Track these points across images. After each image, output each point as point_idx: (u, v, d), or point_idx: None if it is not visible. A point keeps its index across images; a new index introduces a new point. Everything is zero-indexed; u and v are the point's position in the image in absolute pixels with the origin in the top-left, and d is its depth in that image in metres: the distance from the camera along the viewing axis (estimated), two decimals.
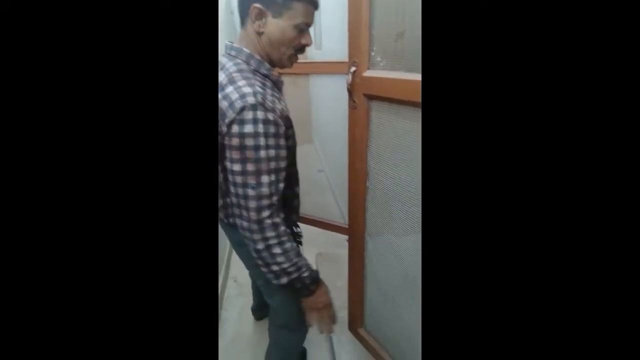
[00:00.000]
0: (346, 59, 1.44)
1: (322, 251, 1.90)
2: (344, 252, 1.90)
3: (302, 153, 1.95)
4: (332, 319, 0.87)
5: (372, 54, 0.75)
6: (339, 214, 2.12)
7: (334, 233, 1.87)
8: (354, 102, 0.82)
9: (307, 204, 1.93)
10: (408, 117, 0.73)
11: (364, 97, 0.80)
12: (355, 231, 1.02)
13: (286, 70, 1.52)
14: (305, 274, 0.75)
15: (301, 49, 0.74)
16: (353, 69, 0.79)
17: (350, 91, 0.81)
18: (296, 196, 0.91)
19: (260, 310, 1.56)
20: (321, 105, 2.06)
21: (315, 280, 0.79)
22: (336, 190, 2.38)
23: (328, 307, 0.84)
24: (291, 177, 0.83)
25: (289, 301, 0.91)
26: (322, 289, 0.81)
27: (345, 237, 2.18)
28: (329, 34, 1.91)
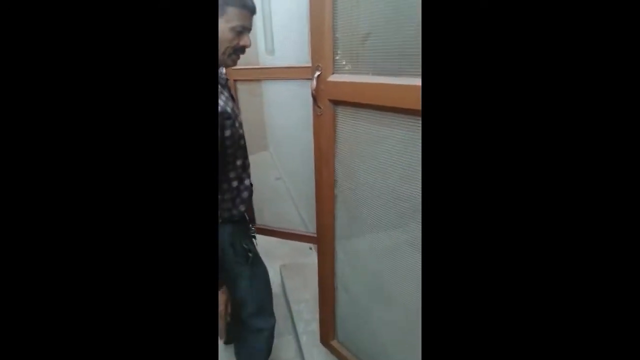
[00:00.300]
0: (300, 64, 1.43)
1: (286, 262, 1.83)
2: (308, 261, 1.86)
3: (259, 160, 1.88)
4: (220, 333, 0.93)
5: (337, 57, 0.73)
6: (300, 221, 2.07)
7: (296, 242, 1.83)
8: (319, 107, 0.79)
9: (267, 214, 1.86)
10: (376, 122, 0.71)
11: (330, 102, 0.77)
12: (324, 240, 0.98)
13: (240, 76, 1.45)
14: None
15: (241, 49, 0.80)
16: (317, 73, 0.75)
17: (315, 97, 0.78)
18: (246, 188, 0.94)
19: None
20: (275, 112, 2.00)
21: None
22: (296, 198, 2.33)
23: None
24: (235, 166, 0.88)
25: (254, 287, 0.98)
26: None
27: (309, 245, 2.14)
28: (283, 39, 1.87)
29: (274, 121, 2.16)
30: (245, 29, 0.77)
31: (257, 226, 1.80)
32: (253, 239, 1.03)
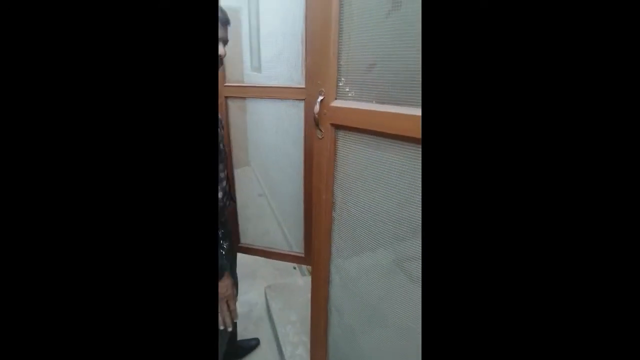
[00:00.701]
0: (292, 85, 1.44)
1: (271, 283, 1.79)
2: (293, 281, 1.83)
3: (241, 176, 1.85)
4: (233, 314, 0.94)
5: (340, 84, 0.74)
6: (284, 241, 2.04)
7: (280, 262, 1.80)
8: (321, 131, 0.79)
9: (251, 233, 1.83)
10: (377, 147, 0.73)
11: (331, 126, 0.78)
12: (319, 262, 0.97)
13: (231, 93, 1.44)
14: None
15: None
16: (320, 98, 0.76)
17: (317, 120, 0.78)
18: (226, 194, 0.95)
19: None
20: (259, 129, 1.98)
21: (217, 271, 0.85)
22: (279, 215, 2.30)
23: (229, 299, 0.91)
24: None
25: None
26: (224, 281, 0.89)
27: (292, 264, 2.11)
28: (273, 58, 1.87)
29: (258, 138, 2.13)
30: (219, 39, 0.83)
31: (242, 245, 1.76)
32: (221, 255, 0.99)
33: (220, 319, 0.91)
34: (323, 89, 0.76)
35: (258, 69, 2.26)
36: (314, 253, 0.98)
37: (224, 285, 0.89)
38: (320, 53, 0.74)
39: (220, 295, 0.88)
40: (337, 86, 0.75)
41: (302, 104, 1.37)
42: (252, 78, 2.45)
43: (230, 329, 0.95)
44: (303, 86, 1.32)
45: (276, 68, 1.75)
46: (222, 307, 0.90)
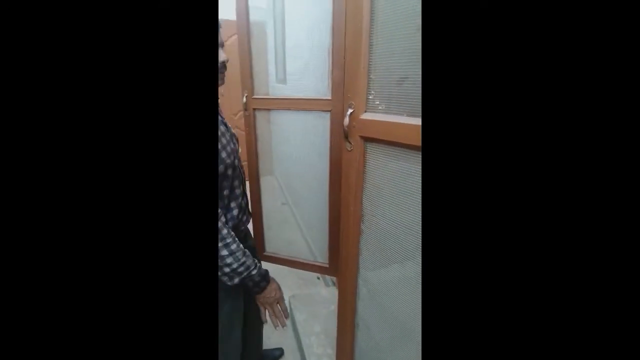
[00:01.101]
0: (313, 97, 1.46)
1: (295, 293, 1.79)
2: (316, 291, 1.82)
3: (265, 184, 1.88)
4: (285, 313, 0.96)
5: (370, 97, 0.75)
6: (308, 250, 2.04)
7: (304, 271, 1.80)
8: (350, 143, 0.80)
9: (274, 240, 1.84)
10: (406, 160, 0.72)
11: (360, 139, 0.78)
12: (346, 274, 0.97)
13: (258, 105, 1.48)
14: (254, 272, 0.84)
15: (222, 65, 0.83)
16: (350, 111, 0.77)
17: (346, 133, 0.79)
18: (232, 218, 0.93)
19: None
20: (283, 141, 2.00)
21: (264, 277, 0.89)
22: (302, 225, 2.31)
23: (279, 301, 0.94)
24: (222, 196, 0.87)
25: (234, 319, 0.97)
26: (272, 285, 0.91)
27: (317, 274, 2.10)
28: (297, 70, 1.91)
29: (282, 149, 2.17)
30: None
31: (266, 253, 1.77)
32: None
33: (273, 320, 0.94)
34: (353, 102, 0.77)
35: (283, 80, 2.31)
36: (341, 265, 0.97)
37: (272, 289, 0.91)
38: (350, 67, 0.75)
39: (270, 299, 0.90)
40: (367, 99, 0.75)
41: (328, 116, 1.38)
42: (278, 90, 2.50)
43: (284, 327, 0.98)
44: (329, 98, 1.34)
45: (302, 80, 1.78)
46: (275, 309, 0.93)
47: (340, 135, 1.39)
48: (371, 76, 0.73)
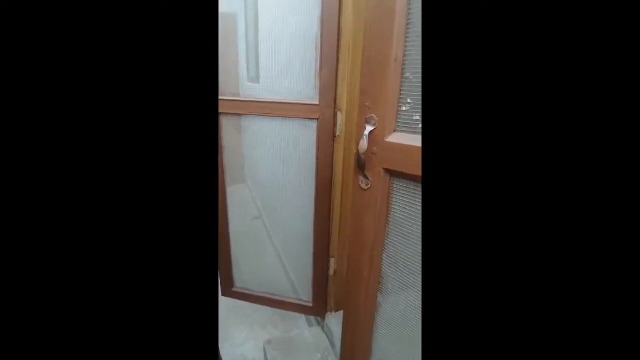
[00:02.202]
0: (296, 100, 1.16)
1: (272, 335, 1.48)
2: (299, 334, 1.52)
3: (235, 193, 1.56)
4: None
5: (404, 108, 0.46)
6: (289, 286, 1.71)
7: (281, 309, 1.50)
8: (366, 178, 0.51)
9: (247, 275, 1.53)
10: None
11: (385, 172, 0.50)
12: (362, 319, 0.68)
13: (225, 109, 1.16)
14: None
15: None
16: (369, 129, 0.48)
17: (362, 162, 0.50)
18: None
19: None
20: (257, 155, 1.67)
21: None
22: (284, 258, 1.96)
23: None
24: None
25: None
26: None
27: (300, 314, 1.80)
28: (272, 67, 1.59)
29: (257, 166, 1.82)
30: None
31: (236, 289, 1.46)
32: None
33: None
34: (374, 115, 0.48)
35: (255, 79, 1.97)
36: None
37: None
38: (369, 59, 0.46)
39: None
40: (398, 111, 0.47)
41: (313, 125, 1.10)
42: (249, 90, 2.14)
43: None
44: (316, 102, 1.04)
45: (279, 79, 1.46)
46: None
47: (328, 148, 1.11)
48: (406, 74, 0.45)
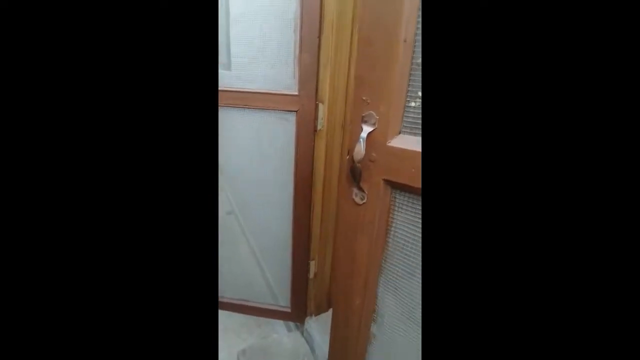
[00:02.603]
0: (272, 90, 1.03)
1: (247, 343, 1.38)
2: (277, 340, 1.43)
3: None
4: None
5: (413, 104, 0.36)
6: (267, 290, 1.60)
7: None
8: (362, 191, 0.41)
9: (224, 280, 1.42)
10: None
11: (385, 184, 0.40)
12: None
13: None
14: None
15: None
16: (367, 130, 0.38)
17: (357, 172, 0.40)
18: None
19: None
20: (229, 153, 1.53)
21: None
22: (262, 261, 1.83)
23: None
24: None
25: None
26: None
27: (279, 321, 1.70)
28: (245, 53, 1.44)
29: (228, 164, 1.68)
30: None
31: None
32: None
33: None
34: (373, 112, 0.38)
35: (227, 65, 1.79)
36: None
37: None
38: (373, 38, 0.35)
39: None
40: (405, 107, 0.36)
41: (293, 118, 0.98)
42: (219, 79, 1.95)
43: None
44: (295, 93, 0.93)
45: (253, 66, 1.32)
46: None
47: (309, 144, 0.99)
48: (419, 59, 0.34)
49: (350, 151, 0.39)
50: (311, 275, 1.21)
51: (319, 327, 1.33)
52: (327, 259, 1.26)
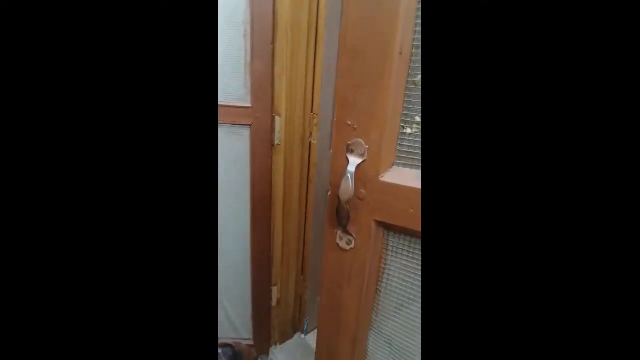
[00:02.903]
0: (221, 102, 0.91)
1: None
2: None
3: None
4: None
5: (408, 131, 0.29)
6: (227, 322, 1.43)
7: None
8: (349, 235, 0.33)
9: None
10: None
11: (377, 225, 0.32)
12: None
13: None
14: None
15: None
16: (355, 162, 0.30)
17: (344, 212, 0.32)
18: None
19: None
20: None
21: None
22: (221, 292, 1.65)
23: None
24: None
25: None
26: None
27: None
28: None
29: None
30: None
31: None
32: None
33: None
34: (362, 140, 0.30)
35: None
36: None
37: None
38: (360, 50, 0.28)
39: None
40: (400, 134, 0.30)
41: (246, 132, 0.88)
42: None
43: None
44: (248, 105, 0.83)
45: None
46: None
47: (265, 160, 0.89)
48: (416, 77, 0.28)
49: (333, 187, 0.31)
50: (274, 302, 1.11)
51: (285, 356, 1.22)
52: (290, 283, 1.17)
